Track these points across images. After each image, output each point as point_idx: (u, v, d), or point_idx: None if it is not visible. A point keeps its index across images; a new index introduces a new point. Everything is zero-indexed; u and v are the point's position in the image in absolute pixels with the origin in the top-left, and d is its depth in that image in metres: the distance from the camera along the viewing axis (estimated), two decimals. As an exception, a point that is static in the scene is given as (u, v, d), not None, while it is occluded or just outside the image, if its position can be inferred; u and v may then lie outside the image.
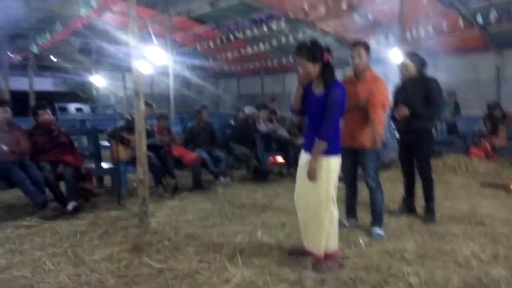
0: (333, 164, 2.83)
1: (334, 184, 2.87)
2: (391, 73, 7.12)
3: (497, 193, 5.08)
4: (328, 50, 2.77)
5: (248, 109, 7.22)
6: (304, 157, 2.94)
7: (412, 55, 4.08)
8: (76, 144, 5.32)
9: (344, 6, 8.08)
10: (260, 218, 4.15)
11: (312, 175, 2.76)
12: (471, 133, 7.42)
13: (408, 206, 4.26)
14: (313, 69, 2.75)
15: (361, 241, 3.42)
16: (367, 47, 3.56)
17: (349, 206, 3.91)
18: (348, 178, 3.84)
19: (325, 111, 2.73)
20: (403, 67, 4.05)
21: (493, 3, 7.77)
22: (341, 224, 3.75)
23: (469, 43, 9.78)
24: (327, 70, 2.78)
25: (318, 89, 2.83)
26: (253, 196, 5.20)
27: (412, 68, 3.99)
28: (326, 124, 2.75)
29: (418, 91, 3.94)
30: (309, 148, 2.87)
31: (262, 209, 4.51)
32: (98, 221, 4.06)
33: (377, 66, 9.33)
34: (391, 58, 7.70)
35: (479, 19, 7.97)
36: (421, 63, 4.01)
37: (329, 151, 2.79)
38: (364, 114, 3.51)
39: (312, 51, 2.74)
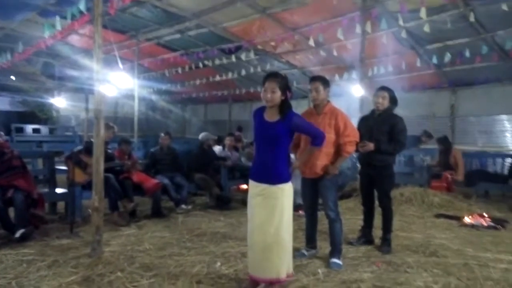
0: (292, 189, 3.02)
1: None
2: (354, 108, 7.40)
3: (450, 224, 5.27)
4: (290, 89, 3.04)
5: (202, 135, 7.00)
6: (258, 187, 2.97)
7: (389, 90, 4.13)
8: (30, 167, 5.10)
9: (310, 42, 8.41)
10: (221, 247, 4.08)
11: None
12: (427, 166, 7.71)
13: (366, 236, 4.33)
14: (279, 97, 2.94)
15: (319, 271, 3.43)
16: (325, 82, 3.67)
17: (309, 236, 3.93)
18: (308, 207, 3.88)
19: (304, 131, 3.17)
20: (379, 98, 4.08)
21: (448, 46, 8.35)
22: (300, 254, 3.78)
23: (426, 82, 10.37)
24: (287, 102, 3.00)
25: (272, 118, 2.99)
26: (214, 224, 5.12)
27: (387, 102, 4.09)
28: (316, 135, 3.14)
29: (383, 127, 4.03)
30: (263, 177, 2.94)
31: (223, 238, 4.44)
32: (47, 250, 3.84)
33: (340, 99, 9.72)
34: (354, 93, 8.00)
35: (435, 60, 8.53)
36: (393, 100, 4.12)
37: (287, 178, 2.97)
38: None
39: (286, 82, 3.00)
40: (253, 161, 3.08)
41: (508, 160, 7.55)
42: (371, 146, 3.95)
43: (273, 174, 2.92)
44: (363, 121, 4.33)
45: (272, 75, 2.99)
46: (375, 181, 4.15)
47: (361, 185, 4.40)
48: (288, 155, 3.02)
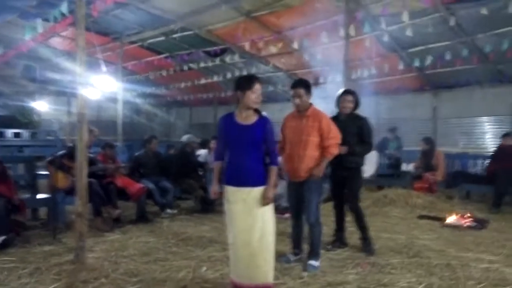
0: None
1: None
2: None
3: (433, 225, 5.36)
4: None
5: (186, 138, 6.95)
6: (239, 191, 2.91)
7: (354, 93, 4.23)
8: (11, 172, 4.99)
9: (295, 45, 8.47)
10: (206, 252, 4.06)
11: (269, 202, 2.91)
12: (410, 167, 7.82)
13: (339, 239, 4.34)
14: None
15: (305, 274, 3.45)
16: (307, 87, 3.68)
17: (295, 239, 3.93)
18: (294, 211, 3.88)
19: (268, 140, 2.96)
20: (345, 102, 4.15)
21: (429, 49, 8.51)
22: (286, 258, 3.79)
23: (408, 84, 10.54)
24: None
25: (247, 120, 2.98)
26: (200, 228, 5.10)
27: (352, 105, 4.17)
28: (274, 151, 3.01)
29: (351, 129, 4.08)
30: (243, 181, 2.90)
31: (208, 242, 4.41)
32: (29, 257, 3.76)
33: (325, 101, 9.80)
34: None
35: (417, 63, 8.69)
36: (357, 102, 4.21)
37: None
38: (304, 148, 3.60)
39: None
40: (227, 166, 3.02)
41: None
42: (343, 149, 3.96)
43: (255, 176, 2.91)
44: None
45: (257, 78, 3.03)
46: (346, 182, 4.18)
47: (333, 188, 4.40)
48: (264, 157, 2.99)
